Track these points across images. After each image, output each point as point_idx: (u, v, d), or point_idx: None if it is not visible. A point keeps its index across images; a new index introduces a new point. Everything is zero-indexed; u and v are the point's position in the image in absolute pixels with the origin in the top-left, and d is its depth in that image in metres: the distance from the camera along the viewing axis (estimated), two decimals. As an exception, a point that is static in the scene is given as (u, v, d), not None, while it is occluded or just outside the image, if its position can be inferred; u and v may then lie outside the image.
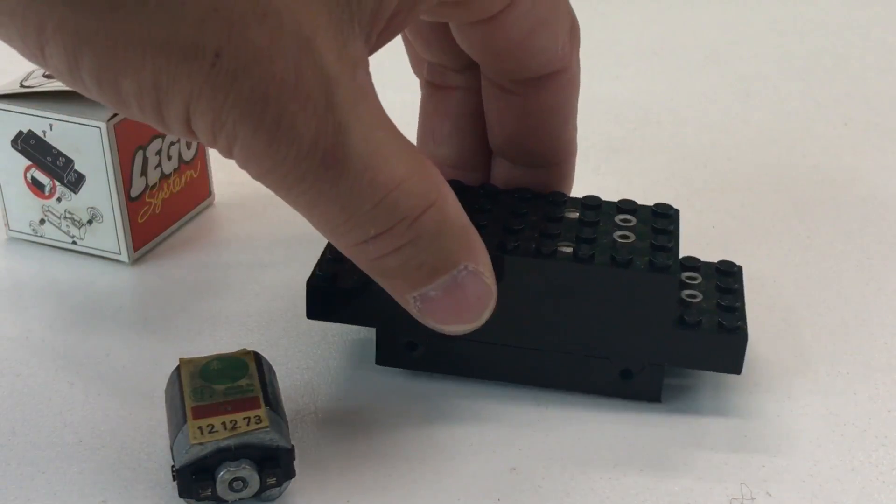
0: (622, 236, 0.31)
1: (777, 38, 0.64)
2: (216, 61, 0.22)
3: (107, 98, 0.23)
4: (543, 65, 0.32)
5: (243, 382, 0.29)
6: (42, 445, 0.31)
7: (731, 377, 0.34)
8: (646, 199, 0.45)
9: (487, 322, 0.28)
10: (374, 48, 0.26)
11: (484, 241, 0.28)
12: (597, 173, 0.47)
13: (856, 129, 0.52)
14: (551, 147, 0.35)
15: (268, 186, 0.25)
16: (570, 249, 0.31)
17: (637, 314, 0.31)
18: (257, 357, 0.30)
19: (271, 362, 0.31)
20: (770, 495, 0.29)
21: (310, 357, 0.35)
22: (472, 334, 0.29)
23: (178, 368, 0.30)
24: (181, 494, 0.28)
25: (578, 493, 0.29)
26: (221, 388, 0.29)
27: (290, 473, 0.28)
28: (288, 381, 0.33)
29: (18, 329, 0.36)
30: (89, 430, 0.31)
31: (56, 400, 0.32)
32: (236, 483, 0.27)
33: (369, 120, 0.25)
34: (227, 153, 0.24)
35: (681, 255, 0.32)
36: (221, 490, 0.27)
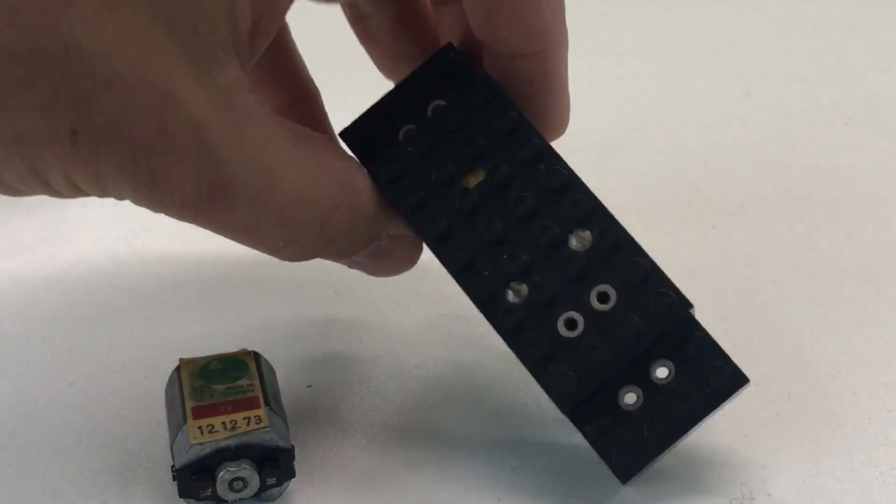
0: (569, 322, 0.27)
1: (777, 38, 0.64)
2: (75, 139, 0.22)
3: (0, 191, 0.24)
4: None
5: (243, 382, 0.29)
6: (42, 445, 0.31)
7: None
8: (646, 199, 0.45)
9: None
10: (253, 57, 0.26)
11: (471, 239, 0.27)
12: (597, 173, 0.47)
13: (856, 129, 0.52)
14: (522, 35, 0.29)
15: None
16: (516, 300, 0.27)
17: None
18: (257, 357, 0.30)
19: (271, 362, 0.31)
20: (770, 495, 0.29)
21: (310, 357, 0.35)
22: None
23: (178, 368, 0.30)
24: (181, 494, 0.28)
25: (578, 493, 0.29)
26: (221, 388, 0.29)
27: (290, 473, 0.28)
28: (288, 381, 0.33)
29: (18, 329, 0.36)
30: (89, 430, 0.31)
31: (56, 400, 0.32)
32: (236, 483, 0.27)
33: (254, 144, 0.24)
34: (119, 198, 0.25)
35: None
36: (221, 490, 0.27)
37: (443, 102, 0.28)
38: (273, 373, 0.31)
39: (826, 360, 0.35)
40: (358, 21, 0.33)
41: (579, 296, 0.27)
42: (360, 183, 0.27)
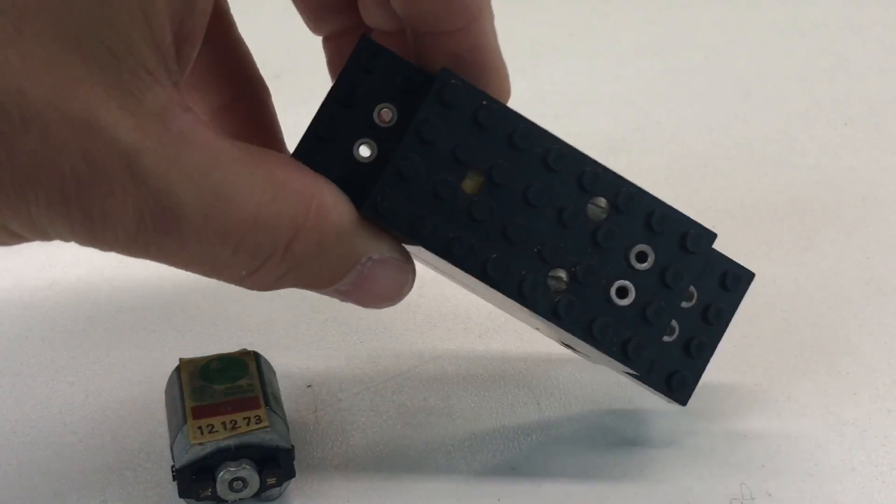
0: (620, 290, 0.27)
1: (777, 38, 0.64)
2: None
3: None
4: None
5: (243, 382, 0.29)
6: (42, 445, 0.31)
7: (733, 377, 0.34)
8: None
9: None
10: (184, 68, 0.24)
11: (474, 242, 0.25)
12: (597, 173, 0.47)
13: (856, 129, 0.52)
14: (444, 9, 0.27)
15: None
16: (559, 288, 0.26)
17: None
18: (257, 357, 0.30)
19: (271, 362, 0.31)
20: (770, 495, 0.29)
21: (310, 357, 0.35)
22: None
23: (178, 368, 0.30)
24: (181, 494, 0.28)
25: (578, 493, 0.29)
26: (221, 388, 0.29)
27: (290, 473, 0.28)
28: (288, 381, 0.33)
29: (18, 329, 0.36)
30: (89, 430, 0.31)
31: (56, 400, 0.32)
32: (236, 483, 0.27)
33: (197, 166, 0.22)
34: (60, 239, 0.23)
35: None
36: (221, 490, 0.27)
37: (390, 107, 0.26)
38: (273, 373, 0.31)
39: (826, 360, 0.35)
40: None
41: (620, 263, 0.27)
42: (327, 200, 0.25)
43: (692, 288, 0.29)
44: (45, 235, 0.23)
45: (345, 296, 0.27)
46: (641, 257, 0.27)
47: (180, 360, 0.30)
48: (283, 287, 0.25)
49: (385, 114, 0.26)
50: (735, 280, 0.29)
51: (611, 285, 0.27)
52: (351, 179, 0.25)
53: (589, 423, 0.32)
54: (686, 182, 0.47)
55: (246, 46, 0.31)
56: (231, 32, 0.31)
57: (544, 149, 0.26)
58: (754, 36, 0.64)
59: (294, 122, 0.31)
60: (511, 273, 0.26)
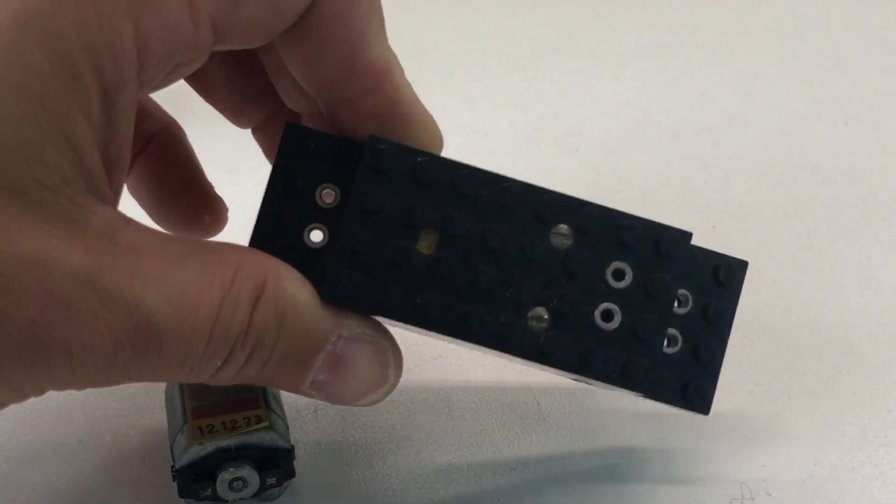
0: (605, 313, 0.26)
1: (777, 38, 0.64)
2: None
3: None
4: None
5: (243, 382, 0.29)
6: (42, 445, 0.31)
7: (733, 377, 0.34)
8: (646, 199, 0.45)
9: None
10: (117, 193, 0.23)
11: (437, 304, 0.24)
12: (597, 173, 0.47)
13: (856, 129, 0.52)
14: (347, 72, 0.26)
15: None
16: (541, 328, 0.25)
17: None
18: (257, 357, 0.30)
19: (271, 362, 0.31)
20: (770, 495, 0.29)
21: (310, 357, 0.35)
22: None
23: (178, 368, 0.30)
24: (181, 494, 0.28)
25: (578, 493, 0.29)
26: (221, 388, 0.29)
27: (290, 473, 0.28)
28: (288, 381, 0.33)
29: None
30: (89, 430, 0.31)
31: (56, 400, 0.32)
32: (236, 483, 0.28)
33: (156, 272, 0.22)
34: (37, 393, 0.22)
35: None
36: (221, 490, 0.27)
37: (330, 186, 0.26)
38: (273, 373, 0.31)
39: (826, 360, 0.35)
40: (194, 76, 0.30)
41: (598, 286, 0.26)
42: (282, 273, 0.24)
43: (685, 292, 0.28)
44: (21, 394, 0.22)
45: (325, 390, 0.25)
46: (618, 275, 0.26)
47: (180, 360, 0.30)
48: (256, 376, 0.24)
49: (327, 195, 0.25)
50: (728, 273, 0.28)
51: (594, 311, 0.25)
52: (309, 267, 0.24)
53: (589, 424, 0.32)
54: (686, 182, 0.47)
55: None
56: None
57: (492, 190, 0.25)
58: (754, 36, 0.64)
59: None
60: (488, 325, 0.25)
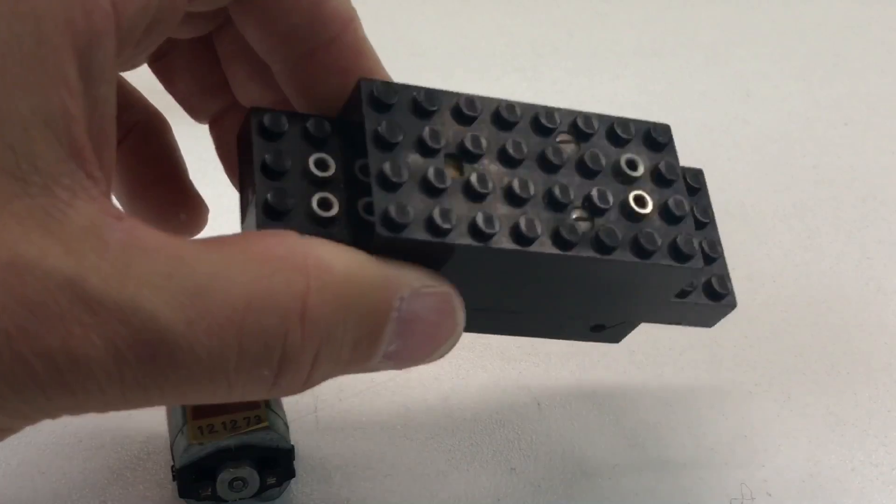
0: (638, 199, 0.26)
1: (777, 38, 0.64)
2: None
3: None
4: None
5: (243, 382, 0.29)
6: (42, 445, 0.31)
7: (733, 377, 0.34)
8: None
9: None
10: (108, 176, 0.20)
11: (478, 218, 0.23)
12: (597, 173, 0.47)
13: (856, 129, 0.52)
14: (312, 16, 0.25)
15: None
16: (587, 227, 0.25)
17: (642, 292, 0.28)
18: (257, 357, 0.30)
19: (271, 362, 0.31)
20: (770, 495, 0.29)
21: (310, 357, 0.35)
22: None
23: (178, 368, 0.30)
24: (181, 494, 0.28)
25: (578, 493, 0.29)
26: (221, 388, 0.29)
27: (290, 473, 0.28)
28: (288, 381, 0.33)
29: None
30: (89, 430, 0.31)
31: (56, 400, 0.32)
32: (236, 483, 0.28)
33: (158, 271, 0.19)
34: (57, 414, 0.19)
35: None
36: (221, 490, 0.27)
37: (322, 154, 0.24)
38: (273, 373, 0.31)
39: (826, 360, 0.35)
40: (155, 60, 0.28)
41: (621, 179, 0.26)
42: (323, 253, 0.21)
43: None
44: (23, 417, 0.19)
45: (398, 359, 0.22)
46: (632, 165, 0.26)
47: (180, 360, 0.30)
48: (325, 378, 0.21)
49: (320, 164, 0.24)
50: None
51: (628, 200, 0.26)
52: (331, 237, 0.22)
53: (588, 424, 0.32)
54: (686, 182, 0.47)
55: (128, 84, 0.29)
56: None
57: (492, 108, 0.26)
58: (754, 36, 0.64)
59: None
60: (540, 231, 0.24)
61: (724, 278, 0.29)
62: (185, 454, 0.27)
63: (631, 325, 0.30)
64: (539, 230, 0.24)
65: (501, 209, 0.24)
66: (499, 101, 0.26)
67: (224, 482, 0.27)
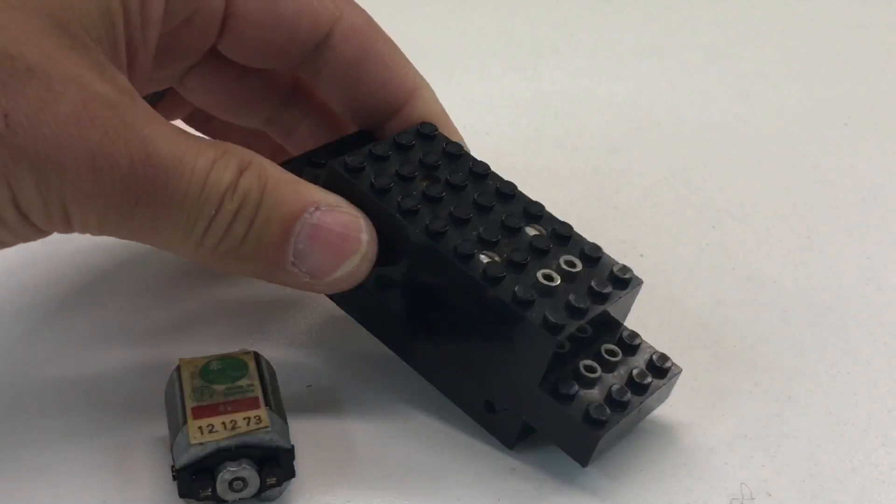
0: (546, 276, 0.29)
1: (777, 38, 0.64)
2: (7, 121, 0.24)
3: None
4: (308, 28, 0.32)
5: (243, 383, 0.29)
6: (42, 445, 0.31)
7: (733, 377, 0.34)
8: (646, 199, 0.45)
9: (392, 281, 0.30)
10: (139, 78, 0.28)
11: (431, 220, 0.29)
12: (597, 173, 0.47)
13: (856, 129, 0.52)
14: (383, 96, 0.33)
15: (113, 232, 0.27)
16: (487, 261, 0.29)
17: (514, 358, 0.29)
18: (257, 357, 0.30)
19: (271, 362, 0.31)
20: (770, 495, 0.29)
21: (310, 357, 0.35)
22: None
23: (178, 368, 0.30)
24: (181, 494, 0.28)
25: (578, 493, 0.29)
26: (221, 389, 0.29)
27: (290, 473, 0.28)
28: (288, 381, 0.33)
29: (18, 329, 0.36)
30: (89, 430, 0.31)
31: (56, 400, 0.32)
32: (236, 483, 0.28)
33: (167, 131, 0.26)
34: (64, 219, 0.26)
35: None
36: (221, 490, 0.27)
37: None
38: (273, 373, 0.31)
39: (826, 360, 0.35)
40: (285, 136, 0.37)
41: (548, 262, 0.29)
42: (267, 161, 0.28)
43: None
44: (48, 215, 0.25)
45: (305, 261, 0.28)
46: (570, 264, 0.30)
47: (180, 360, 0.30)
48: (239, 244, 0.27)
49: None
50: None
51: (539, 270, 0.29)
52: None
53: (589, 423, 0.32)
54: (686, 182, 0.47)
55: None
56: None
57: (498, 180, 0.32)
58: (754, 36, 0.64)
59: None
60: (452, 245, 0.29)
61: (615, 416, 0.28)
62: (185, 454, 0.27)
63: (517, 418, 0.30)
64: (453, 239, 0.29)
65: (439, 215, 0.29)
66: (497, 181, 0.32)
67: (224, 482, 0.27)
